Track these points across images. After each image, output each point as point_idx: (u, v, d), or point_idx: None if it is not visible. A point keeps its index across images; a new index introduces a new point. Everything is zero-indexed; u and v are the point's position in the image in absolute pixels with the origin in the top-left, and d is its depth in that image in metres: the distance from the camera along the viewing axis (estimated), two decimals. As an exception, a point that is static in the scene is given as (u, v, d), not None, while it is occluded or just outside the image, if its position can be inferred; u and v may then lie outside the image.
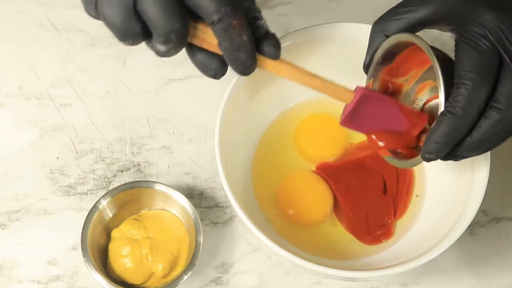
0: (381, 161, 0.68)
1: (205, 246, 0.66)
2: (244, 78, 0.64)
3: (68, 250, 0.68)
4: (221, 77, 0.54)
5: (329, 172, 0.68)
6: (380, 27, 0.57)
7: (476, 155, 0.54)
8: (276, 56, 0.54)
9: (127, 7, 0.49)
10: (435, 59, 0.53)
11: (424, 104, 0.59)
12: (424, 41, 0.54)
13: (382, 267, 0.59)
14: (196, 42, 0.53)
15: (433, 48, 0.54)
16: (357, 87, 0.56)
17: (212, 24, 0.50)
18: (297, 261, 0.58)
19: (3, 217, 0.69)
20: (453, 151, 0.53)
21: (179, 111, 0.73)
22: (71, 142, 0.72)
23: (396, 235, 0.67)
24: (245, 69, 0.53)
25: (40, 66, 0.75)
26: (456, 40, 0.53)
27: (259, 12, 0.53)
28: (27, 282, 0.67)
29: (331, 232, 0.67)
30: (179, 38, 0.50)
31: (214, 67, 0.53)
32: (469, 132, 0.52)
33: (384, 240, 0.67)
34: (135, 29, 0.50)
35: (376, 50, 0.58)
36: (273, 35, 0.54)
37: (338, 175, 0.68)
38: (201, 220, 0.66)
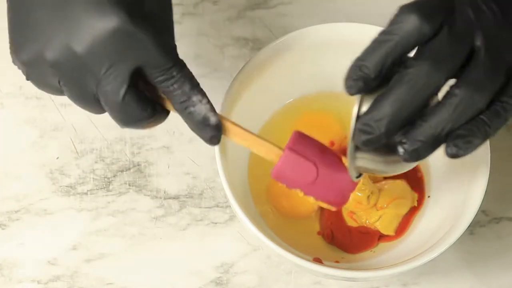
0: None
1: (205, 246, 0.67)
2: (243, 77, 0.64)
3: (68, 250, 0.68)
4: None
5: None
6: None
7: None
8: (211, 144, 0.53)
9: (90, 96, 0.51)
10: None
11: None
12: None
13: (382, 267, 0.59)
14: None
15: None
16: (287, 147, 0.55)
17: None
18: (297, 261, 0.58)
19: (3, 217, 0.69)
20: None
21: (179, 111, 0.73)
22: (71, 142, 0.72)
23: (396, 235, 0.67)
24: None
25: (40, 66, 0.75)
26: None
27: (196, 93, 0.51)
28: (27, 282, 0.67)
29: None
30: (141, 125, 0.52)
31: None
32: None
33: (369, 249, 0.66)
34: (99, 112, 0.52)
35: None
36: (214, 125, 0.52)
37: None
38: (201, 220, 0.66)
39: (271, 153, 0.55)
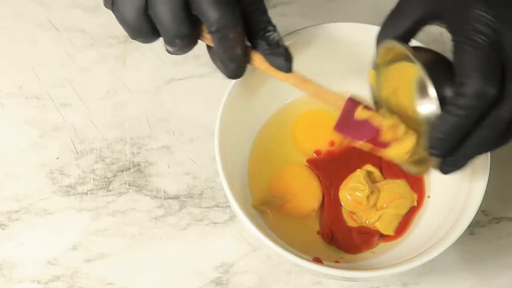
0: (368, 157, 0.67)
1: (205, 246, 0.67)
2: (243, 77, 0.64)
3: (68, 250, 0.68)
4: (239, 77, 0.57)
5: (319, 166, 0.68)
6: (380, 39, 0.57)
7: (473, 157, 0.54)
8: (286, 69, 0.57)
9: (139, 8, 0.52)
10: (417, 61, 0.52)
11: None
12: (407, 46, 0.54)
13: (382, 267, 0.59)
14: (207, 42, 0.55)
15: (422, 49, 0.54)
16: (349, 96, 0.57)
17: (210, 32, 0.53)
18: (297, 261, 0.58)
19: (3, 217, 0.69)
20: (452, 154, 0.53)
21: (179, 111, 0.73)
22: (71, 142, 0.72)
23: (396, 235, 0.67)
24: (232, 76, 0.57)
25: (40, 66, 0.75)
26: (452, 40, 0.52)
27: (272, 25, 0.56)
28: (27, 282, 0.67)
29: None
30: (184, 43, 0.53)
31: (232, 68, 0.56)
32: (470, 131, 0.51)
33: (369, 249, 0.66)
34: (145, 29, 0.53)
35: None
36: (285, 49, 0.56)
37: (326, 167, 0.67)
38: (201, 220, 0.66)
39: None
